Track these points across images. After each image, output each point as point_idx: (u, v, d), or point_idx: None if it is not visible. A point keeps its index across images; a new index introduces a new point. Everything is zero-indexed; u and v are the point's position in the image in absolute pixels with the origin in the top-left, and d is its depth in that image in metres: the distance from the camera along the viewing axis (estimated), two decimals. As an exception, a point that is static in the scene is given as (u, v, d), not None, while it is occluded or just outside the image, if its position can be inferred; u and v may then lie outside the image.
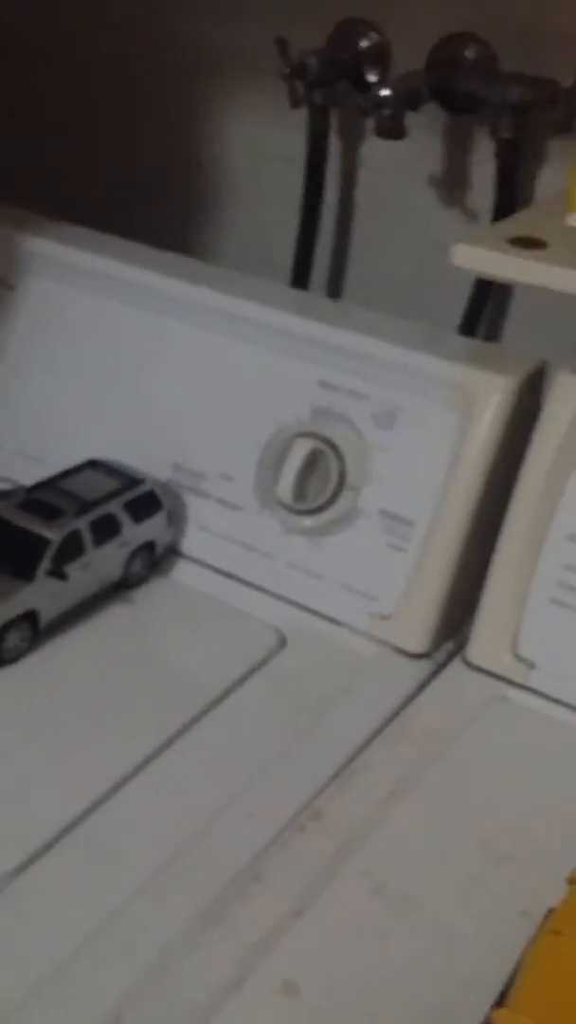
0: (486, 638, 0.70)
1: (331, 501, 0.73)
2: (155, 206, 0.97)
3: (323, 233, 0.91)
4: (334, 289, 0.93)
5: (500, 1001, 0.45)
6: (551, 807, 0.61)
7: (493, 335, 0.86)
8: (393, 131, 0.77)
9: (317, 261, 0.91)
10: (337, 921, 0.54)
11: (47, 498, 0.71)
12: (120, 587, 0.74)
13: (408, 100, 0.78)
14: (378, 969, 0.51)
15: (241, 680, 0.68)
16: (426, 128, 0.81)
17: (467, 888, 0.55)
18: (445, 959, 0.52)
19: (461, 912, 0.54)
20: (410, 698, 0.69)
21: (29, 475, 0.75)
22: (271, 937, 0.52)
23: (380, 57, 0.82)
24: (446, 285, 0.78)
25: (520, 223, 0.64)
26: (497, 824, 0.59)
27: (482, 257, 0.60)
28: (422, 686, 0.70)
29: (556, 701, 0.67)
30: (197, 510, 0.77)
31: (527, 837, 0.58)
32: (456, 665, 0.71)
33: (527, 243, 0.61)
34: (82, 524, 0.70)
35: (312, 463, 0.73)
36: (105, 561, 0.72)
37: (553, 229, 0.61)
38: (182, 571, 0.77)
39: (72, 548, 0.69)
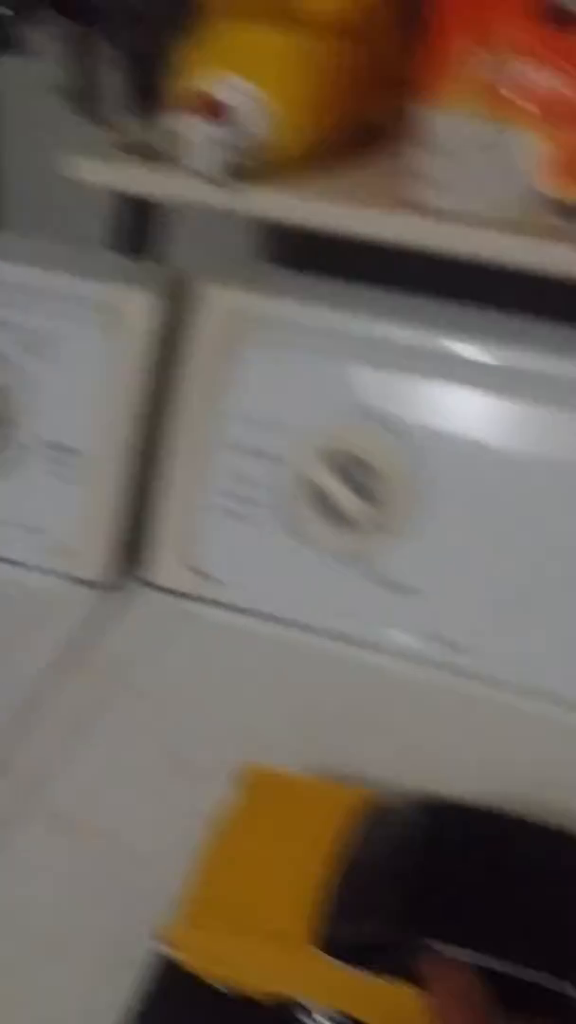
0: (164, 557, 0.70)
1: (-7, 438, 0.70)
2: None
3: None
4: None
5: (177, 912, 0.46)
6: (233, 715, 0.62)
7: (139, 251, 0.84)
8: (9, 43, 0.73)
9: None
10: (22, 867, 0.52)
11: None
12: None
13: (24, 10, 0.74)
14: (69, 905, 0.51)
15: None
16: (50, 40, 0.77)
17: (156, 807, 0.56)
18: (137, 881, 0.52)
19: (151, 832, 0.54)
20: (95, 628, 0.68)
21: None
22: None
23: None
24: (86, 203, 0.75)
25: (138, 132, 0.62)
26: (187, 739, 0.60)
27: (101, 170, 0.59)
28: (106, 614, 0.69)
29: (238, 610, 0.68)
30: None
31: (212, 747, 0.59)
32: (138, 588, 0.71)
33: (147, 153, 0.59)
34: None
35: (-36, 400, 0.70)
36: None
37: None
38: None
39: None
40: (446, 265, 0.59)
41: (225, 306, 0.66)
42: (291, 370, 0.65)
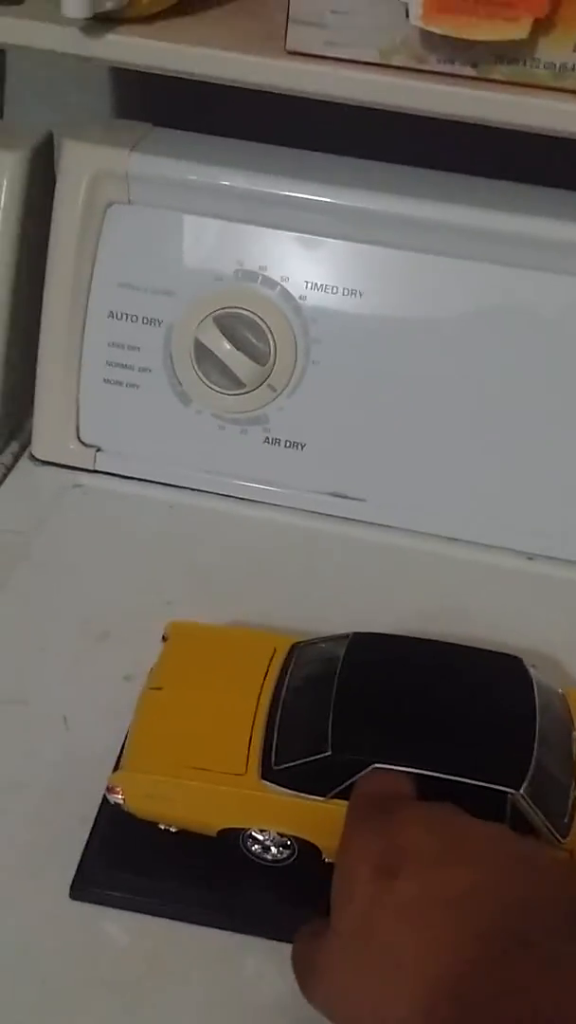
0: (48, 430, 0.69)
1: None
2: None
3: None
4: None
5: (120, 763, 0.47)
6: (141, 578, 0.62)
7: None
8: None
9: None
10: None
11: None
12: None
13: None
14: (-3, 769, 0.51)
15: None
16: None
17: (71, 672, 0.56)
18: (61, 742, 0.53)
19: (69, 695, 0.55)
20: (-18, 504, 0.67)
21: None
22: None
23: None
24: None
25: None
26: (92, 606, 0.60)
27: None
28: (-7, 492, 0.68)
29: (127, 478, 0.68)
30: None
31: (124, 612, 0.60)
32: (24, 464, 0.70)
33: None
34: None
35: None
36: None
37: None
38: None
39: None
40: (316, 113, 0.59)
41: (90, 164, 0.64)
42: (167, 229, 0.64)
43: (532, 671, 0.47)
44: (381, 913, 0.37)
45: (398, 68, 0.51)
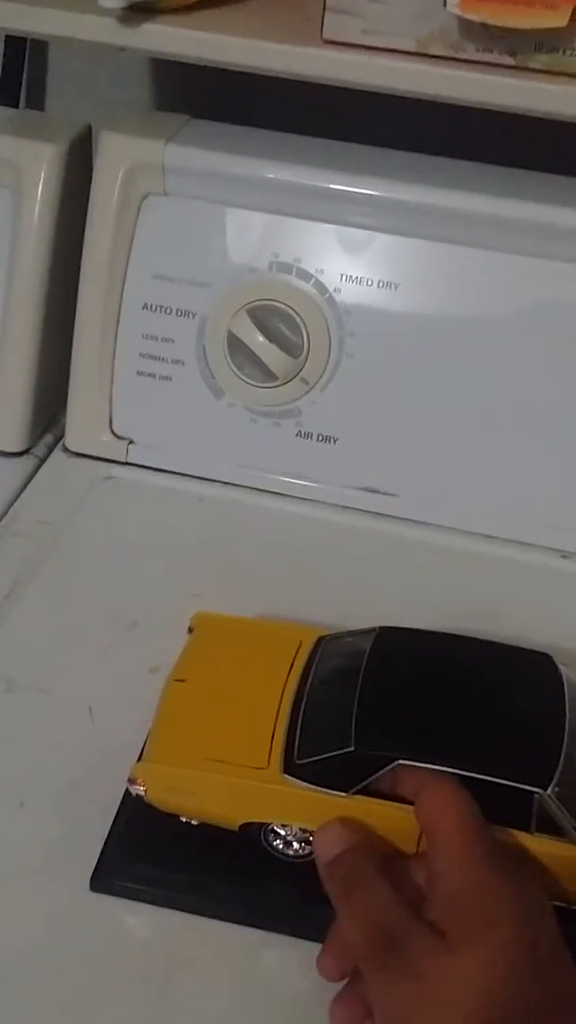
0: (81, 422, 0.69)
1: None
2: None
3: None
4: None
5: (143, 755, 0.47)
6: (170, 570, 0.62)
7: (35, 104, 0.80)
8: None
9: None
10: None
11: None
12: None
13: None
14: (20, 761, 0.51)
15: None
16: None
17: (98, 662, 0.56)
18: (86, 732, 0.53)
19: (95, 685, 0.55)
20: (15, 497, 0.67)
21: None
22: None
23: None
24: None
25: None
26: (121, 597, 0.60)
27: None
28: (26, 483, 0.68)
29: (158, 470, 0.68)
30: None
31: (151, 603, 0.59)
32: (58, 455, 0.70)
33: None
34: None
35: None
36: None
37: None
38: None
39: None
40: (352, 104, 0.58)
41: (127, 156, 0.64)
42: (202, 221, 0.64)
43: (563, 669, 0.46)
44: None
45: (435, 57, 0.50)
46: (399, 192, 0.61)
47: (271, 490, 0.67)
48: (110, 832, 0.47)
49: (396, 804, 0.43)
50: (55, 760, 0.51)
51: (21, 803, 0.49)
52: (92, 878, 0.46)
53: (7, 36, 0.76)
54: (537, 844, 0.42)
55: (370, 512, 0.66)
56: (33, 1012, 0.43)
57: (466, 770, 0.42)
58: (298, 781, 0.44)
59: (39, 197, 0.64)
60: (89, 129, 0.67)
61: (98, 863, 0.46)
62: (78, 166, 0.66)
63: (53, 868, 0.47)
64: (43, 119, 0.76)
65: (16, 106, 0.79)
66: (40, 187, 0.64)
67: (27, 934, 0.45)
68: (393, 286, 0.63)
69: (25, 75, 0.79)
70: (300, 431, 0.66)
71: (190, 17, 0.54)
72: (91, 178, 0.65)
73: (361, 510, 0.66)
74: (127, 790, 0.46)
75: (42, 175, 0.64)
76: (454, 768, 0.42)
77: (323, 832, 0.43)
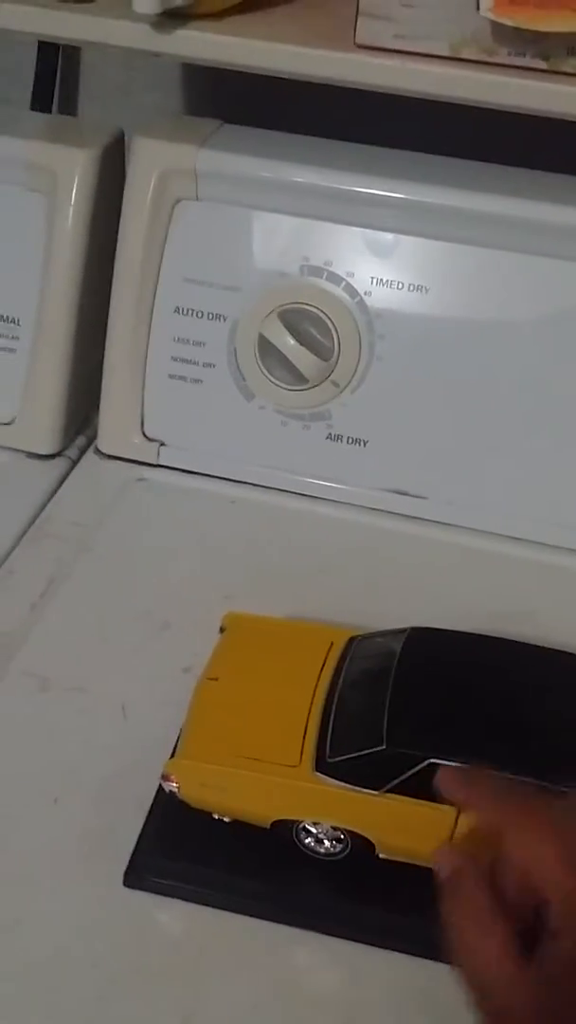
0: (113, 425, 0.69)
1: None
2: None
3: None
4: None
5: (175, 752, 0.47)
6: (201, 571, 0.63)
7: (68, 109, 0.81)
8: None
9: None
10: (5, 725, 0.53)
11: None
12: None
13: None
14: (55, 758, 0.52)
15: None
16: None
17: (131, 661, 0.57)
18: (119, 731, 0.53)
19: (128, 684, 0.55)
20: (48, 499, 0.67)
21: None
22: None
23: None
24: (12, 60, 0.72)
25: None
26: (153, 598, 0.61)
27: (29, 15, 0.56)
28: (59, 485, 0.69)
29: (190, 472, 0.69)
30: None
31: (183, 604, 0.60)
32: (90, 457, 0.71)
33: (77, -3, 0.57)
34: None
35: None
36: None
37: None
38: None
39: None
40: (384, 108, 0.59)
41: (160, 161, 0.64)
42: (234, 225, 0.64)
43: (594, 670, 0.46)
44: None
45: (468, 61, 0.50)
46: (429, 195, 0.61)
47: (301, 492, 0.67)
48: (143, 829, 0.48)
49: (427, 803, 0.43)
50: (89, 757, 0.52)
51: (55, 799, 0.50)
52: (125, 874, 0.47)
53: (40, 42, 0.77)
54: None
55: (400, 514, 0.66)
56: (66, 1004, 0.43)
57: (498, 770, 0.42)
58: (329, 779, 0.44)
59: (73, 202, 0.65)
60: (122, 134, 0.67)
61: (131, 859, 0.47)
62: (111, 171, 0.66)
63: (87, 864, 0.47)
64: (76, 124, 0.77)
65: (49, 111, 0.80)
66: (74, 192, 0.65)
67: (61, 928, 0.45)
68: (423, 289, 0.63)
69: (58, 80, 0.79)
70: (330, 433, 0.66)
71: (223, 23, 0.55)
72: (124, 183, 0.66)
73: (391, 512, 0.66)
74: (160, 787, 0.47)
75: (76, 180, 0.65)
76: (485, 766, 0.42)
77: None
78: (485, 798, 0.41)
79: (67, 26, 0.55)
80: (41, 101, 0.79)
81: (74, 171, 0.65)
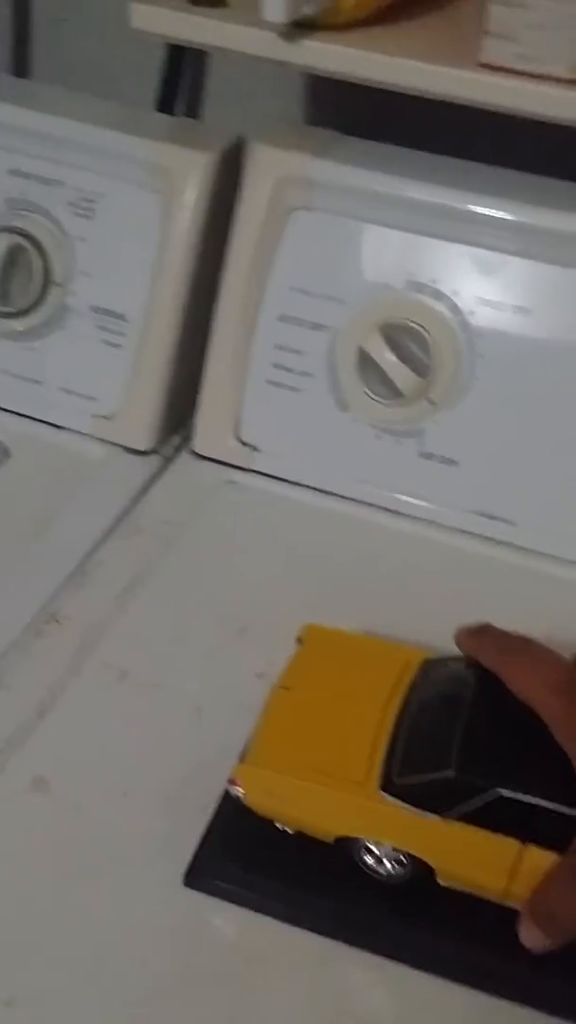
0: (210, 427, 0.70)
1: (39, 301, 0.70)
2: None
3: (-1, 8, 0.83)
4: (20, 68, 0.86)
5: (243, 758, 0.47)
6: (283, 579, 0.63)
7: (191, 112, 0.82)
8: None
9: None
10: (82, 713, 0.54)
11: None
12: None
13: None
14: (127, 751, 0.53)
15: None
16: None
17: (207, 663, 0.57)
18: (192, 730, 0.54)
19: (203, 685, 0.56)
20: (141, 494, 0.68)
21: None
22: (16, 738, 0.52)
23: None
24: (139, 60, 0.73)
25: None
26: (233, 601, 0.61)
27: (161, 17, 0.57)
28: (152, 481, 0.70)
29: (280, 479, 0.69)
30: None
31: (262, 609, 0.60)
32: (184, 457, 0.71)
33: (210, 2, 0.58)
34: None
35: (12, 261, 0.69)
36: None
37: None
38: None
39: None
40: (501, 129, 0.58)
41: (277, 169, 0.65)
42: (343, 237, 0.65)
43: None
44: None
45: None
46: (540, 218, 0.61)
47: (388, 508, 0.67)
48: (207, 831, 0.48)
49: (490, 833, 0.43)
50: (160, 753, 0.52)
51: (124, 792, 0.50)
52: (186, 874, 0.47)
53: (168, 44, 0.78)
54: None
55: (486, 538, 0.65)
56: (112, 998, 0.44)
57: (568, 807, 0.41)
58: (394, 800, 0.44)
59: (188, 204, 0.66)
60: (241, 140, 0.68)
61: (193, 860, 0.47)
62: (228, 176, 0.67)
63: (149, 859, 0.48)
64: (197, 128, 0.78)
65: (172, 113, 0.81)
66: (190, 194, 0.66)
67: (117, 921, 0.46)
68: (526, 311, 0.62)
69: (184, 83, 0.81)
70: (422, 451, 0.66)
71: (348, 35, 0.55)
72: (240, 188, 0.66)
73: (477, 535, 0.65)
74: (226, 791, 0.47)
75: (193, 183, 0.66)
76: (554, 804, 0.41)
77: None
78: (489, 647, 0.47)
79: (198, 30, 0.56)
80: (165, 104, 0.80)
81: (192, 174, 0.66)
